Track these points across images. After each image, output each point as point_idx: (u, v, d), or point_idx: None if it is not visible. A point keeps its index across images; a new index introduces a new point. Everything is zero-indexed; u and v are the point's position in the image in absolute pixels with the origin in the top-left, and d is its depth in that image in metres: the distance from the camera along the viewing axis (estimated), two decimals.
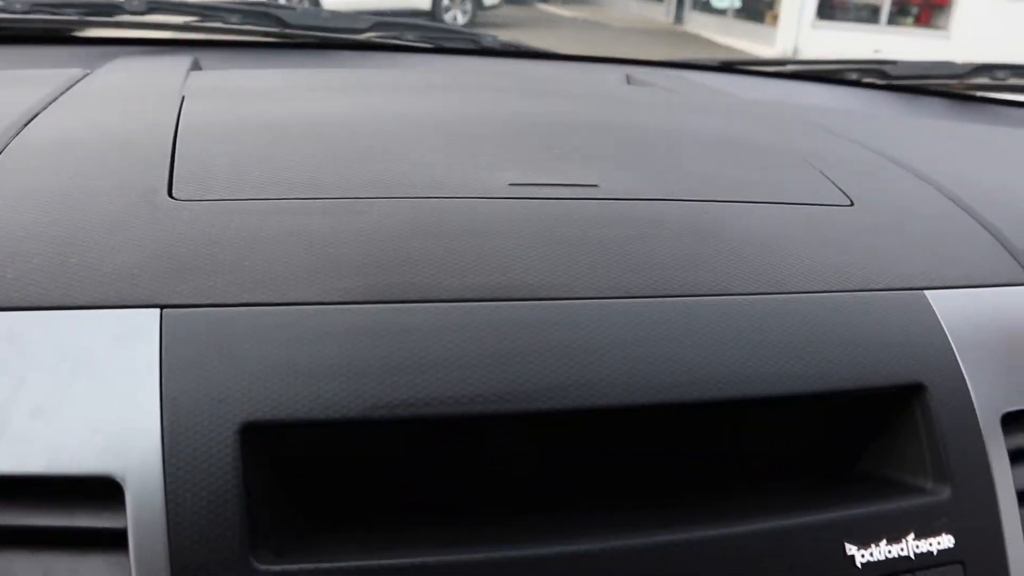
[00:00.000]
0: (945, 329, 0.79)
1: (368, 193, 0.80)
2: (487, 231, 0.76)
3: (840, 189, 0.98)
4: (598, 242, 0.77)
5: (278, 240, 0.72)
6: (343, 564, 0.57)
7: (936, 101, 1.95)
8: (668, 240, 0.79)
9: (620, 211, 0.82)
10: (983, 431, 0.74)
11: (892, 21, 15.20)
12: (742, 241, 0.81)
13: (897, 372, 0.74)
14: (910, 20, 15.26)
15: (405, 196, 0.80)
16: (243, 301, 0.66)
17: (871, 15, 15.42)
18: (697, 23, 19.57)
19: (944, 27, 14.32)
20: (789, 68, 2.07)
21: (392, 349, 0.64)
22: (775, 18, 16.48)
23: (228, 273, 0.68)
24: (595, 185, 0.87)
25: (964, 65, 1.97)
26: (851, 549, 0.66)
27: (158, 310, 0.65)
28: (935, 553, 0.68)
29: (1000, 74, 1.96)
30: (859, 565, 0.66)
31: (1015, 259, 0.93)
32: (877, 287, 0.80)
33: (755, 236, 0.83)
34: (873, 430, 0.77)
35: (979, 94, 1.97)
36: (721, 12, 19.13)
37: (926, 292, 0.82)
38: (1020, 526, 0.74)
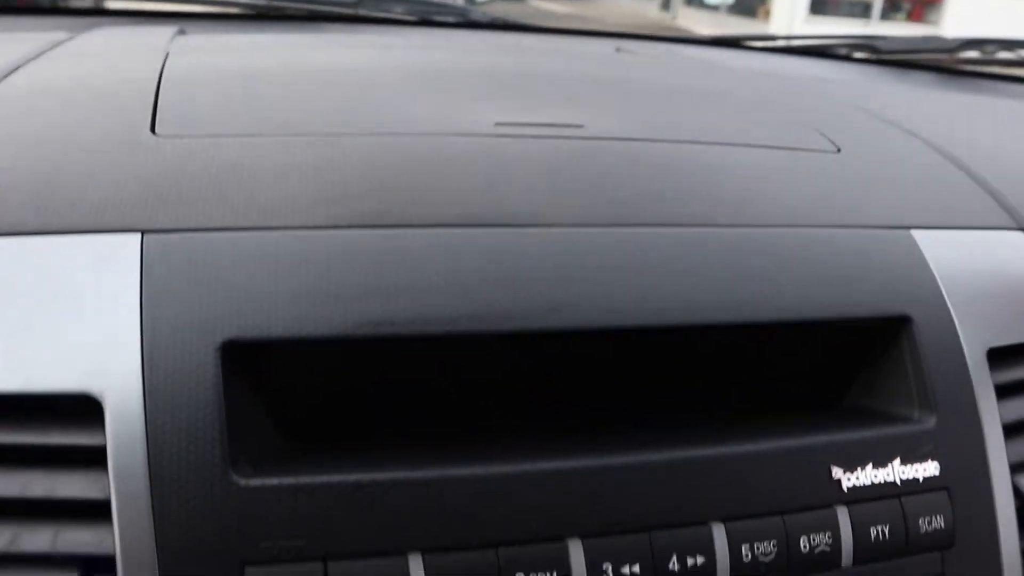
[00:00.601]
0: (931, 266, 0.78)
1: (353, 131, 0.80)
2: (471, 163, 0.76)
3: (827, 137, 0.98)
4: (581, 175, 0.76)
5: (261, 170, 0.72)
6: (322, 479, 0.57)
7: (926, 75, 1.95)
8: (650, 175, 0.79)
9: (604, 148, 0.82)
10: (969, 364, 0.74)
11: (884, 16, 15.25)
12: (724, 178, 0.81)
13: (883, 304, 0.73)
14: (902, 15, 15.31)
15: (390, 133, 0.80)
16: (225, 226, 0.65)
17: (863, 10, 15.48)
18: (691, 18, 19.60)
19: (936, 22, 14.37)
20: (780, 43, 2.08)
21: (376, 271, 0.63)
22: (767, 13, 16.52)
23: (210, 201, 0.68)
24: (580, 126, 0.86)
25: (954, 40, 1.97)
26: (837, 472, 0.66)
27: (139, 235, 0.64)
28: (920, 480, 0.68)
29: (990, 48, 1.96)
30: (845, 489, 0.66)
31: (1000, 206, 0.93)
32: (862, 224, 0.80)
33: (738, 174, 0.83)
34: (860, 363, 0.77)
35: (969, 68, 1.97)
36: (714, 8, 19.16)
37: (912, 231, 0.81)
38: (1006, 458, 0.74)
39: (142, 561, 0.56)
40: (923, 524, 0.68)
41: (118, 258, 0.63)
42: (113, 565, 0.56)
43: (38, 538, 0.57)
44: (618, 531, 0.60)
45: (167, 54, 1.07)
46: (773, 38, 2.02)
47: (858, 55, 2.01)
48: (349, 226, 0.67)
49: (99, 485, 0.58)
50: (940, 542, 0.68)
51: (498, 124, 0.84)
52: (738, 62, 1.78)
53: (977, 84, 1.93)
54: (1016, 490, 0.74)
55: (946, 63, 1.99)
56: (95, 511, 0.58)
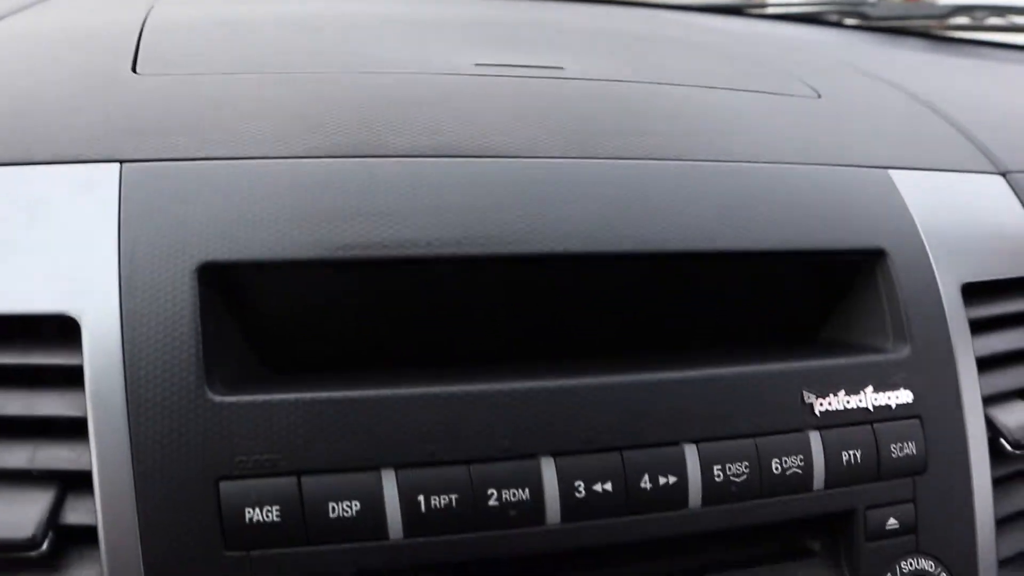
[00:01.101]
0: (907, 203, 0.79)
1: (333, 70, 0.80)
2: (449, 99, 0.76)
3: (808, 85, 0.98)
4: (559, 112, 0.77)
5: (240, 104, 0.72)
6: (296, 396, 0.58)
7: (916, 41, 1.95)
8: (628, 113, 0.79)
9: (582, 88, 0.82)
10: (943, 298, 0.75)
11: None
12: (703, 117, 0.82)
13: (858, 237, 0.74)
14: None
15: (369, 72, 0.80)
16: (202, 156, 0.66)
17: None
18: None
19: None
20: (769, 10, 2.07)
21: (351, 197, 0.64)
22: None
23: (189, 132, 0.68)
24: (560, 68, 0.87)
25: (943, 6, 1.96)
26: (809, 397, 0.66)
27: (117, 164, 0.65)
28: (893, 407, 0.69)
29: (979, 14, 1.95)
30: (817, 413, 0.66)
31: (980, 152, 0.94)
32: (840, 163, 0.80)
33: (717, 113, 0.83)
34: (836, 298, 0.77)
35: (958, 35, 1.97)
36: None
37: (890, 171, 0.82)
38: (979, 390, 0.75)
39: (118, 477, 0.56)
40: (895, 450, 0.68)
41: (97, 186, 0.63)
42: (90, 481, 0.56)
43: (16, 455, 0.58)
44: (590, 450, 0.61)
45: (152, 3, 1.07)
46: (763, 4, 2.01)
47: (848, 21, 2.00)
48: (325, 156, 0.67)
49: (77, 403, 0.58)
50: (912, 468, 0.69)
51: (477, 65, 0.84)
52: (729, 26, 1.78)
53: (966, 49, 1.92)
54: (989, 421, 0.75)
55: (936, 29, 1.99)
56: (73, 429, 0.59)
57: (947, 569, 0.69)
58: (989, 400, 0.76)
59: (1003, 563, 0.74)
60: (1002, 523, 0.74)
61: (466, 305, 0.69)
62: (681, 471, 0.62)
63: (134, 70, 0.77)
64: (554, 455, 0.60)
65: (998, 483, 0.75)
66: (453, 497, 0.58)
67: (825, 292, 0.78)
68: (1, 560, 0.56)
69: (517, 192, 0.66)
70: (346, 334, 0.68)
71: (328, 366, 0.66)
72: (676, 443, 0.63)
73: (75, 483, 0.58)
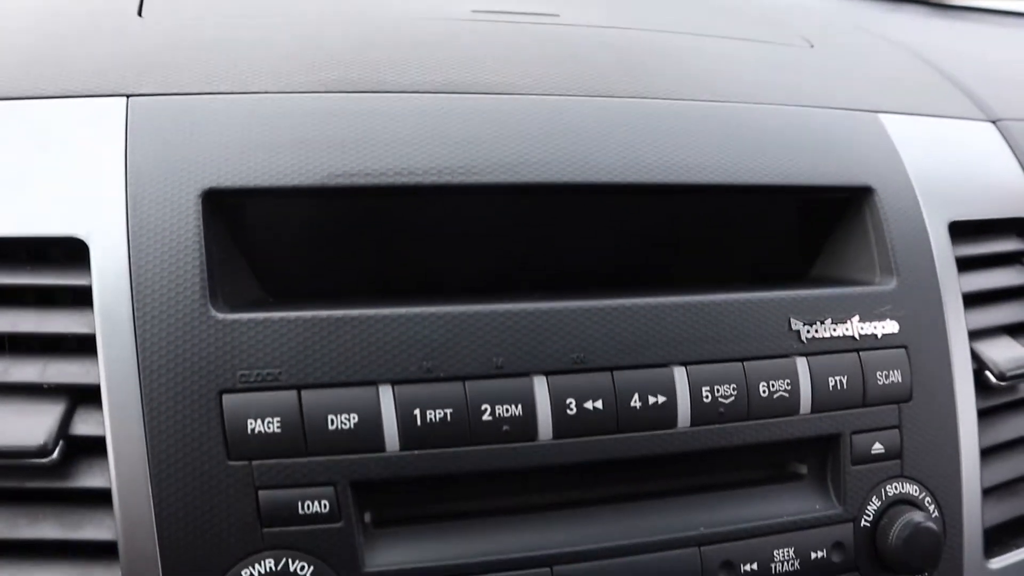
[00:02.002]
0: (896, 145, 0.81)
1: (333, 14, 0.82)
2: (447, 42, 0.78)
3: (802, 36, 1.00)
4: (553, 54, 0.78)
5: (242, 44, 0.74)
6: (297, 314, 0.59)
7: (915, 7, 1.95)
8: (621, 55, 0.81)
9: (577, 32, 0.84)
10: (930, 234, 0.77)
11: None
12: (696, 61, 0.83)
13: (847, 174, 0.76)
14: None
15: (370, 16, 0.82)
16: (206, 91, 0.68)
17: None
18: None
19: None
20: None
21: (351, 127, 0.66)
22: None
23: (193, 69, 0.70)
24: (556, 15, 0.88)
25: None
26: (796, 324, 0.68)
27: (124, 98, 0.67)
28: (879, 336, 0.71)
29: None
30: (804, 340, 0.68)
31: (972, 101, 0.95)
32: (830, 105, 0.82)
33: (709, 58, 0.85)
34: (825, 235, 0.79)
35: (958, 3, 1.97)
36: None
37: (880, 115, 0.83)
38: (965, 325, 0.76)
39: (126, 390, 0.58)
40: (880, 377, 0.70)
41: (105, 118, 0.65)
42: (98, 394, 0.59)
43: (28, 370, 0.60)
44: (581, 370, 0.62)
45: None
46: None
47: None
48: (325, 91, 0.69)
49: (85, 321, 0.60)
50: (897, 396, 0.71)
51: (474, 12, 0.86)
52: None
53: (964, 15, 1.93)
54: (975, 354, 0.76)
55: None
56: (82, 346, 0.61)
57: (931, 494, 0.71)
58: (975, 335, 0.77)
59: (987, 491, 0.75)
60: (987, 453, 0.76)
61: (462, 235, 0.71)
62: (670, 392, 0.64)
63: (139, 14, 0.79)
64: (546, 374, 0.62)
65: (983, 415, 0.77)
66: (448, 412, 0.60)
67: (815, 232, 0.79)
68: (14, 467, 0.58)
69: (511, 125, 0.68)
70: (345, 262, 0.70)
71: (327, 294, 0.67)
72: (666, 365, 0.64)
73: (85, 397, 0.60)
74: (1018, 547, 0.77)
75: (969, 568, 0.73)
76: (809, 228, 0.81)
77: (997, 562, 0.75)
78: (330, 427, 0.59)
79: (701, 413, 0.64)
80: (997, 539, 0.77)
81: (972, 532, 0.73)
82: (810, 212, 0.80)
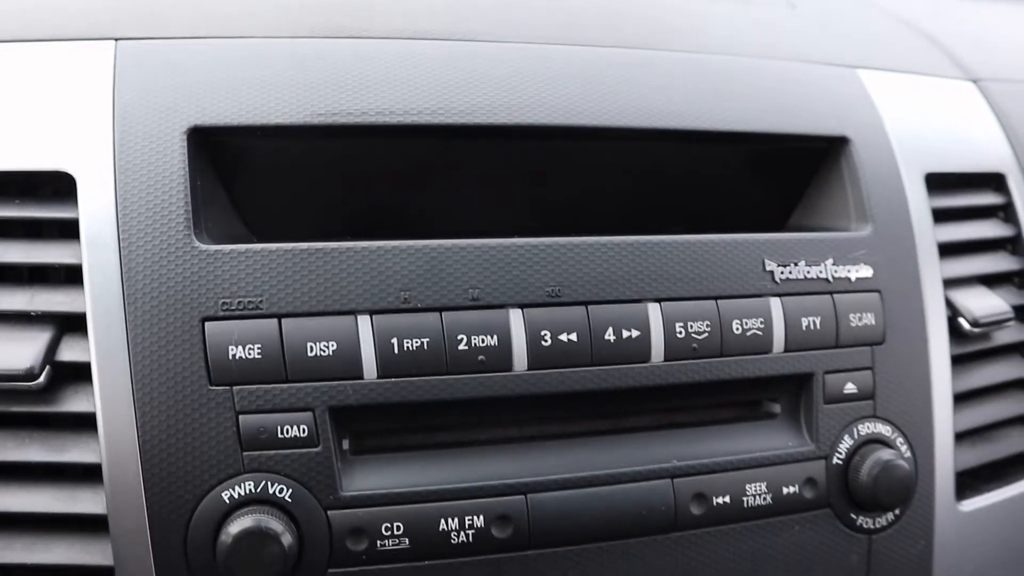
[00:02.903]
0: (873, 99, 0.82)
1: None
2: None
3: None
4: (536, 5, 0.80)
5: None
6: (278, 246, 0.61)
7: None
8: (602, 8, 0.82)
9: None
10: (905, 184, 0.78)
11: None
12: (677, 15, 0.85)
13: (824, 124, 0.77)
14: None
15: None
16: (193, 34, 0.69)
17: None
18: None
19: None
20: None
21: (334, 70, 0.67)
22: None
23: (181, 11, 0.72)
24: None
25: None
26: (770, 265, 0.69)
27: (113, 41, 0.68)
28: (852, 280, 0.72)
29: None
30: (777, 280, 0.69)
31: (952, 61, 0.96)
32: (809, 60, 0.83)
33: (690, 13, 0.86)
34: (803, 186, 0.80)
35: None
36: None
37: (858, 70, 0.85)
38: (939, 273, 0.78)
39: (111, 318, 0.60)
40: (853, 319, 0.71)
41: (94, 60, 0.67)
42: (84, 323, 0.60)
43: (16, 299, 0.61)
44: (556, 303, 0.64)
45: None
46: None
47: None
48: (311, 36, 0.70)
49: (72, 252, 0.62)
50: (870, 338, 0.72)
51: None
52: None
53: None
54: (949, 302, 0.78)
55: None
56: (69, 277, 0.63)
57: (903, 435, 0.72)
58: (950, 283, 0.79)
59: (960, 436, 0.77)
60: (960, 399, 0.77)
61: (442, 177, 0.72)
62: (644, 326, 0.65)
63: None
64: (522, 307, 0.63)
65: (957, 361, 0.78)
66: (425, 341, 0.61)
67: (793, 186, 0.81)
68: (1, 392, 0.59)
69: (493, 70, 0.69)
70: (327, 203, 0.71)
71: (309, 232, 0.69)
72: (640, 301, 0.66)
73: (71, 326, 0.62)
74: (990, 491, 0.78)
75: (941, 509, 0.74)
76: (788, 182, 0.82)
77: (969, 504, 0.77)
78: (309, 354, 0.60)
79: (675, 348, 0.66)
80: (969, 484, 0.78)
81: (944, 475, 0.75)
82: (789, 166, 0.81)
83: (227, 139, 0.66)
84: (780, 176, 0.82)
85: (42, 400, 0.60)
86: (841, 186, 0.77)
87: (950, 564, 0.75)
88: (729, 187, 0.81)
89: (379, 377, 0.61)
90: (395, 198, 0.72)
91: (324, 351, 0.60)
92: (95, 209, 0.62)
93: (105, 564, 0.59)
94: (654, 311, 0.66)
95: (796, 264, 0.71)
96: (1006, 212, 0.87)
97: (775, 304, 0.69)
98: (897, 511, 0.72)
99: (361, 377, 0.61)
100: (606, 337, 0.64)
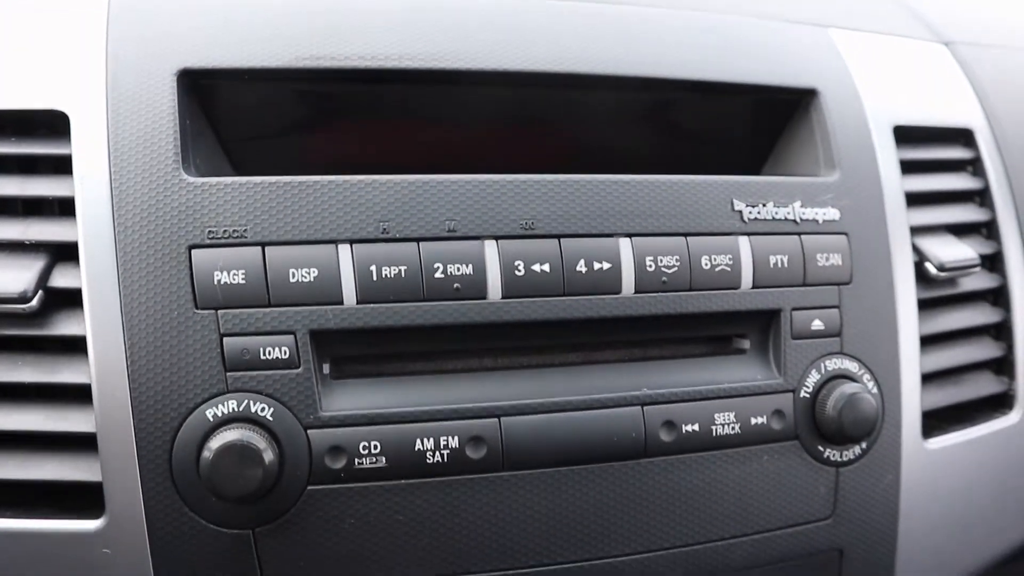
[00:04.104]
0: (843, 55, 0.84)
1: None
2: None
3: None
4: None
5: None
6: (261, 179, 0.64)
7: None
8: None
9: None
10: (873, 134, 0.80)
11: None
12: None
13: (793, 77, 0.80)
14: None
15: None
16: None
17: None
18: None
19: None
20: None
21: (321, 18, 0.70)
22: None
23: None
24: None
25: None
26: (739, 205, 0.72)
27: None
28: (820, 221, 0.74)
29: None
30: (746, 220, 0.72)
31: (924, 24, 0.99)
32: (782, 19, 0.86)
33: None
34: (774, 138, 0.83)
35: None
36: None
37: (829, 29, 0.87)
38: (907, 221, 0.80)
39: (102, 246, 0.62)
40: (821, 259, 0.74)
41: (88, 5, 0.69)
42: (76, 252, 0.63)
43: (10, 229, 0.64)
44: (530, 235, 0.66)
45: None
46: None
47: None
48: None
49: (65, 186, 0.64)
50: (837, 278, 0.74)
51: None
52: None
53: None
54: (916, 248, 0.80)
55: None
56: (62, 210, 0.65)
57: (870, 371, 0.75)
58: (917, 231, 0.81)
59: (926, 377, 0.79)
60: (927, 341, 0.79)
61: (424, 119, 0.75)
62: (615, 259, 0.68)
63: None
64: (496, 238, 0.66)
65: (925, 305, 0.80)
66: (402, 269, 0.64)
67: (762, 130, 0.83)
68: None
69: (476, 19, 0.72)
70: (313, 147, 0.74)
71: (292, 162, 0.71)
72: (611, 235, 0.68)
73: (64, 256, 0.64)
74: (956, 431, 0.80)
75: (907, 446, 0.76)
76: (760, 138, 0.85)
77: (936, 443, 0.79)
78: (291, 280, 0.63)
79: (645, 281, 0.68)
80: (936, 425, 0.81)
81: (911, 413, 0.77)
82: (761, 121, 0.84)
83: (215, 83, 0.69)
84: (753, 131, 0.84)
85: (35, 324, 0.63)
86: (810, 137, 0.80)
87: (916, 500, 0.77)
88: (704, 140, 0.84)
89: (358, 302, 0.63)
90: (377, 140, 0.75)
91: (305, 277, 0.63)
92: (88, 145, 0.65)
93: (94, 480, 0.61)
94: (625, 245, 0.68)
95: (764, 205, 0.73)
96: (975, 167, 0.89)
97: (743, 242, 0.71)
98: (864, 445, 0.74)
99: (341, 302, 0.63)
100: (578, 268, 0.67)
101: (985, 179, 0.88)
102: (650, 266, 0.68)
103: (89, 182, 0.64)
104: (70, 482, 0.62)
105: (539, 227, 0.67)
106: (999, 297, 0.87)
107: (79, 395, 0.63)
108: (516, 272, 0.65)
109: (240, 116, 0.72)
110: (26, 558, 0.61)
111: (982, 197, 0.88)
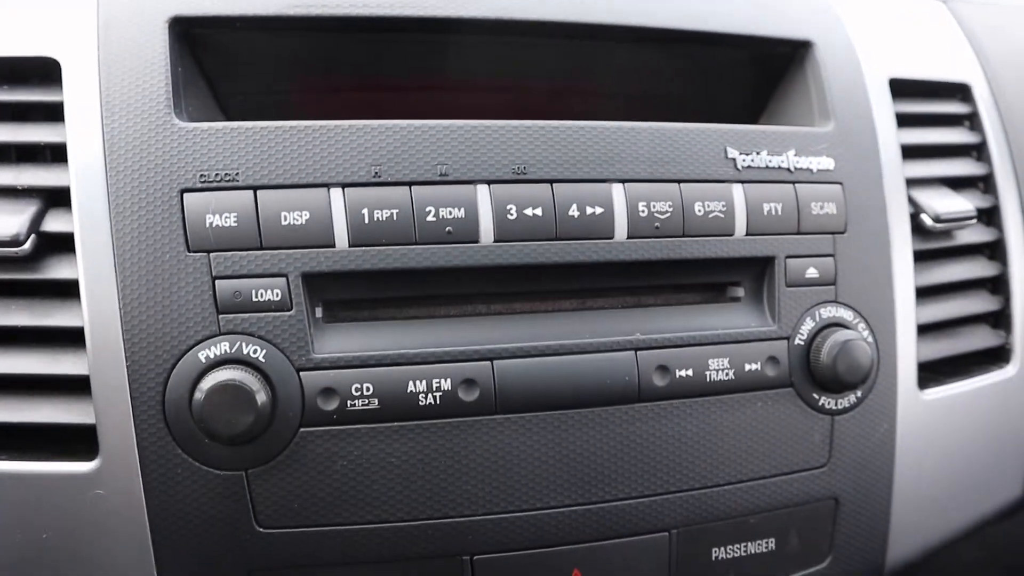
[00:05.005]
0: (837, 7, 0.84)
1: None
2: None
3: None
4: None
5: None
6: (252, 123, 0.64)
7: None
8: None
9: None
10: (868, 86, 0.80)
11: None
12: None
13: (788, 29, 0.79)
14: None
15: None
16: None
17: None
18: None
19: None
20: None
21: None
22: None
23: None
24: None
25: None
26: (732, 152, 0.72)
27: None
28: (814, 171, 0.74)
29: None
30: (739, 168, 0.72)
31: None
32: None
33: None
34: (769, 91, 0.83)
35: None
36: None
37: None
38: (902, 173, 0.80)
39: (94, 191, 0.62)
40: (815, 208, 0.73)
41: None
42: (68, 197, 0.63)
43: (3, 175, 0.64)
44: (522, 180, 0.66)
45: None
46: None
47: None
48: None
49: (57, 132, 0.65)
50: (832, 227, 0.74)
51: None
52: None
53: None
54: (912, 200, 0.80)
55: None
56: (55, 155, 0.65)
57: (865, 321, 0.74)
58: (913, 183, 0.81)
59: (922, 329, 0.79)
60: (922, 293, 0.79)
61: (420, 72, 0.75)
62: (607, 204, 0.67)
63: None
64: (488, 182, 0.66)
65: (921, 257, 0.80)
66: (394, 212, 0.64)
67: (758, 83, 0.83)
68: None
69: None
70: (302, 92, 0.74)
71: (287, 110, 0.71)
72: (604, 181, 0.68)
73: (56, 201, 0.64)
74: (952, 383, 0.80)
75: (903, 395, 0.76)
76: (756, 93, 0.84)
77: (931, 394, 0.78)
78: (283, 223, 0.63)
79: (637, 226, 0.68)
80: (932, 377, 0.80)
81: (907, 363, 0.76)
82: (757, 75, 0.84)
83: (206, 33, 0.69)
84: (748, 86, 0.84)
85: (28, 268, 0.63)
86: (805, 88, 0.80)
87: (912, 450, 0.77)
88: (699, 95, 0.84)
89: (350, 245, 0.63)
90: (369, 91, 0.75)
91: (297, 220, 0.63)
92: (79, 92, 0.65)
93: (87, 422, 0.61)
94: (618, 190, 0.68)
95: (758, 153, 0.73)
96: (972, 121, 0.89)
97: (737, 190, 0.71)
98: (859, 393, 0.74)
99: (333, 245, 0.63)
100: (570, 213, 0.67)
101: (982, 134, 0.87)
102: (643, 211, 0.68)
103: (81, 128, 0.64)
104: (64, 425, 0.62)
105: (531, 172, 0.67)
106: (996, 251, 0.86)
107: (72, 339, 0.63)
108: (508, 216, 0.65)
109: (232, 67, 0.72)
110: (21, 500, 0.61)
111: (979, 151, 0.88)
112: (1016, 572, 1.14)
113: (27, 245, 0.62)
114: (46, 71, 0.66)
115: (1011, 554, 1.14)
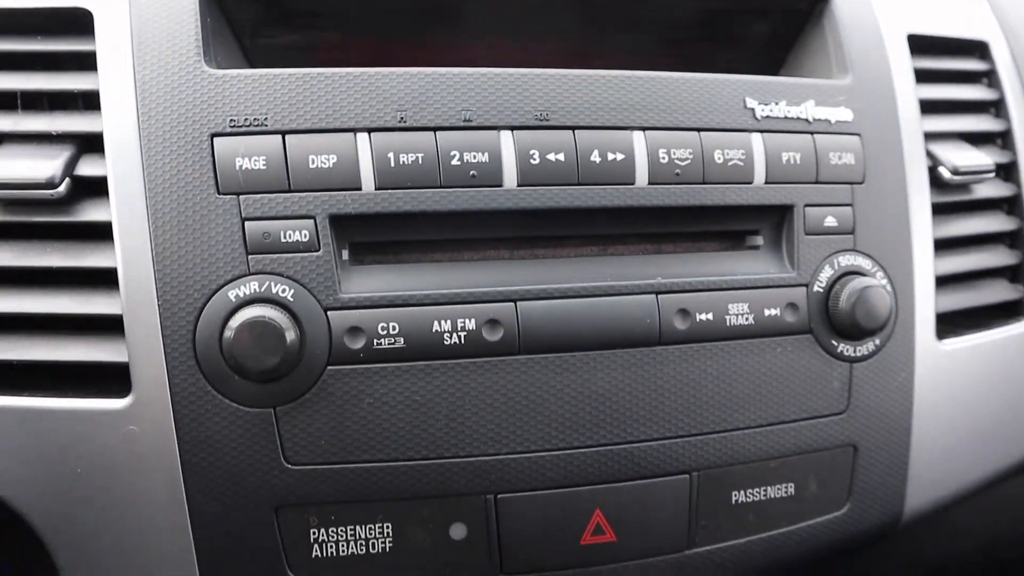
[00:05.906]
0: None
1: None
2: None
3: None
4: None
5: None
6: (280, 70, 0.65)
7: None
8: None
9: None
10: (886, 41, 0.81)
11: None
12: None
13: None
14: None
15: None
16: None
17: None
18: None
19: None
20: None
21: None
22: None
23: None
24: None
25: None
26: (751, 103, 0.73)
27: None
28: (832, 121, 0.75)
29: None
30: (758, 117, 0.73)
31: None
32: None
33: None
34: (788, 46, 0.83)
35: None
36: None
37: None
38: (920, 127, 0.80)
39: (126, 138, 0.64)
40: (833, 157, 0.74)
41: None
42: (101, 143, 0.64)
43: (38, 121, 0.66)
44: (545, 127, 0.67)
45: None
46: None
47: None
48: None
49: (90, 79, 0.66)
50: (850, 177, 0.75)
51: None
52: None
53: None
54: (930, 153, 0.80)
55: None
56: (87, 103, 0.67)
57: (884, 270, 0.75)
58: (931, 137, 0.81)
59: (940, 280, 0.79)
60: (940, 245, 0.80)
61: (440, 16, 0.76)
62: (628, 150, 0.68)
63: None
64: (512, 128, 0.67)
65: (939, 210, 0.80)
66: (420, 156, 0.65)
67: (777, 39, 0.84)
68: (25, 200, 0.64)
69: None
70: (329, 47, 0.75)
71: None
72: (625, 128, 0.69)
73: (90, 147, 0.66)
74: (970, 334, 0.81)
75: (921, 344, 0.76)
76: (774, 49, 0.85)
77: (949, 344, 0.79)
78: (311, 166, 0.64)
79: (658, 172, 0.69)
80: (951, 329, 0.81)
81: (925, 313, 0.77)
82: (776, 32, 0.84)
83: None
84: (767, 43, 0.85)
85: (62, 211, 0.65)
86: (823, 44, 0.80)
87: (930, 400, 0.77)
88: (718, 51, 0.84)
89: (376, 188, 0.65)
90: (393, 39, 0.76)
91: (325, 163, 0.64)
92: (111, 41, 0.66)
93: (120, 360, 0.63)
94: (639, 138, 0.69)
95: (777, 103, 0.74)
96: (990, 79, 0.89)
97: (756, 139, 0.72)
98: (877, 341, 0.74)
99: (359, 188, 0.65)
100: (592, 159, 0.68)
101: (1000, 91, 0.88)
102: (663, 158, 0.69)
103: (113, 75, 0.65)
104: (98, 363, 0.63)
105: (554, 119, 0.68)
106: (1014, 206, 0.87)
107: (105, 280, 0.64)
108: (531, 161, 0.66)
109: (259, 19, 0.74)
110: (56, 436, 0.63)
111: (997, 108, 0.88)
112: (1011, 566, 1.15)
113: (61, 188, 0.63)
114: (78, 21, 0.68)
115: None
